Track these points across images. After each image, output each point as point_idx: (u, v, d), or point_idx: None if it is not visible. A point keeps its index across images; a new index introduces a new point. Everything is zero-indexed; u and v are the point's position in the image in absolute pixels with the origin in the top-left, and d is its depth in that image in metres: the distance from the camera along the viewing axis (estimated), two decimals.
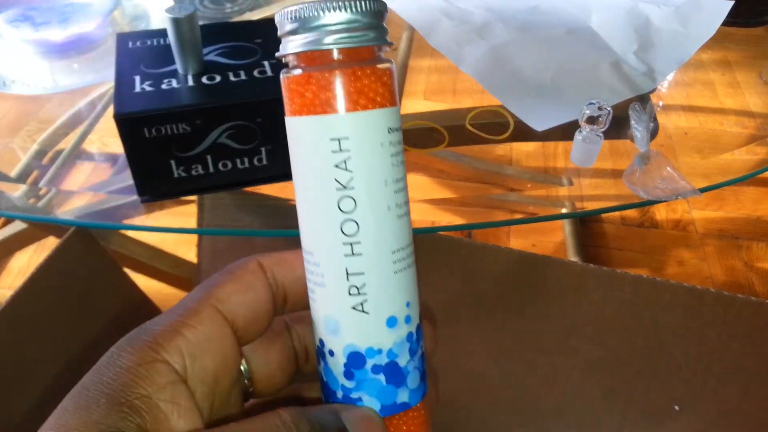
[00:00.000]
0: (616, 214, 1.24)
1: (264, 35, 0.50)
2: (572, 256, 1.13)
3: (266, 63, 0.47)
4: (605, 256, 1.16)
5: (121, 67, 0.46)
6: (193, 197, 0.54)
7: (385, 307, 0.21)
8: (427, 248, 0.57)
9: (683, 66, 0.62)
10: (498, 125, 0.57)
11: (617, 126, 0.52)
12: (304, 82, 0.20)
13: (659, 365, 0.50)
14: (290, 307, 0.24)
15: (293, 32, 0.20)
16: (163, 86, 0.44)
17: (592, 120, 0.49)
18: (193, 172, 0.45)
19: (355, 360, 0.21)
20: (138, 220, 0.49)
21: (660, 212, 1.24)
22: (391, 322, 0.21)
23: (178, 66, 0.45)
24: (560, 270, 0.51)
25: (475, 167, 0.67)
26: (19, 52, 0.64)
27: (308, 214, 0.21)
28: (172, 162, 0.44)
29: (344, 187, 0.20)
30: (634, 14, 0.66)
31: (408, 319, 0.22)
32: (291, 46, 0.20)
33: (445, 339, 0.54)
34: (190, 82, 0.44)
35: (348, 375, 0.21)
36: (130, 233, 0.88)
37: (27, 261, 1.11)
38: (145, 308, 0.65)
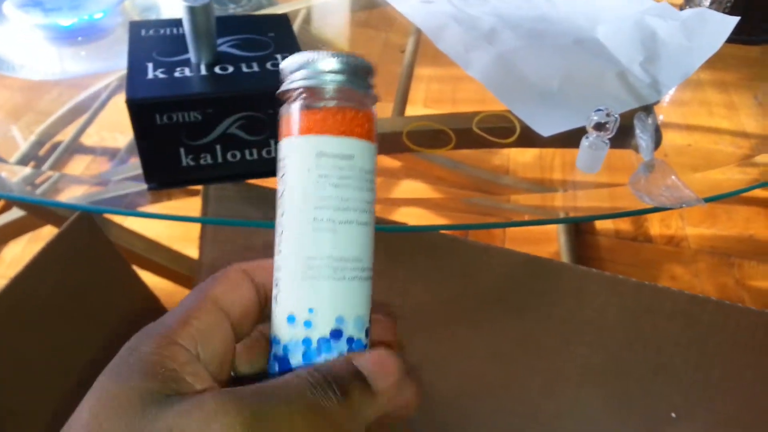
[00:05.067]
0: (611, 227, 1.24)
1: (277, 29, 0.50)
2: None
3: (279, 56, 0.47)
4: (598, 268, 1.16)
5: (133, 54, 0.45)
6: (199, 188, 0.54)
7: (287, 304, 0.24)
8: (428, 249, 0.57)
9: (680, 85, 0.63)
10: (504, 129, 0.57)
11: (619, 135, 0.53)
12: (285, 113, 0.25)
13: (659, 372, 0.50)
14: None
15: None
16: (176, 74, 0.44)
17: (599, 126, 0.50)
18: (202, 162, 0.45)
19: (271, 345, 0.24)
20: (143, 208, 0.49)
21: (654, 227, 1.25)
22: (290, 319, 0.23)
23: (192, 55, 0.45)
24: (562, 274, 0.52)
25: (472, 175, 0.67)
26: (28, 38, 0.63)
27: None
28: (182, 150, 0.44)
29: (279, 197, 0.24)
30: (641, 26, 0.67)
31: (308, 324, 0.23)
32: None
33: (444, 339, 0.54)
34: (203, 72, 0.44)
35: (270, 358, 0.24)
36: (129, 226, 0.88)
37: (20, 251, 1.10)
38: (145, 297, 0.64)
